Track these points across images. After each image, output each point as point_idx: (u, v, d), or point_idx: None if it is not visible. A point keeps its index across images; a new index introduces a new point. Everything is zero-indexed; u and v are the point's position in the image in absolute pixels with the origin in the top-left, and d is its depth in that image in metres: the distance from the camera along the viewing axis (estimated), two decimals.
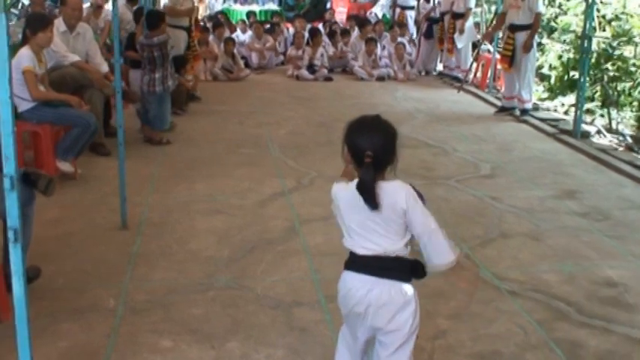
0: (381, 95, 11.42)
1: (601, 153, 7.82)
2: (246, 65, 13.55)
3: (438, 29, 13.61)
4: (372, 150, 2.63)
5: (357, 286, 2.74)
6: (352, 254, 2.78)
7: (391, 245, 2.70)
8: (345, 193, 2.74)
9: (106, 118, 7.65)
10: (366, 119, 2.79)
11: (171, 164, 6.99)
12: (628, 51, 9.47)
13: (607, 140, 8.69)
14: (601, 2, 10.40)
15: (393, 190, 2.66)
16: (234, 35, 14.45)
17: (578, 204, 6.11)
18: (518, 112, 9.88)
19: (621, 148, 8.26)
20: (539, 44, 11.03)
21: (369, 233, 2.70)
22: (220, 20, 14.86)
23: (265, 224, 5.39)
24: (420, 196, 2.73)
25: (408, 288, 2.76)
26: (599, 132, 8.98)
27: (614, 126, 9.34)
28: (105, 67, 7.29)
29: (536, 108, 10.34)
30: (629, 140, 8.58)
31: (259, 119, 9.30)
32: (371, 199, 2.63)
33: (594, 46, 9.13)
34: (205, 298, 4.14)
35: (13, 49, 7.39)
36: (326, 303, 4.09)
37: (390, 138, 2.71)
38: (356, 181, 2.69)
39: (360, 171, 2.67)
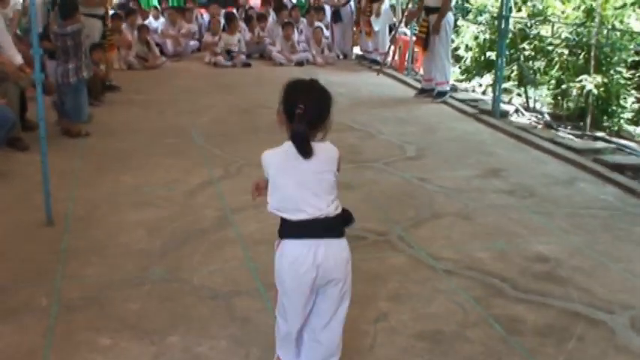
0: None
1: (521, 131, 8.00)
2: (161, 53, 13.31)
3: (355, 11, 13.66)
4: (303, 104, 2.70)
5: (303, 252, 2.79)
6: (288, 222, 2.81)
7: (326, 206, 2.78)
8: (276, 156, 2.83)
9: (22, 112, 7.38)
10: (303, 79, 2.87)
11: (94, 157, 6.80)
12: (544, 30, 9.69)
13: (525, 119, 8.90)
14: None
15: (326, 147, 2.81)
16: (146, 22, 14.15)
17: (504, 182, 6.23)
18: (434, 94, 10.01)
19: (540, 126, 8.46)
20: (455, 26, 11.18)
21: (304, 195, 2.77)
22: (133, 7, 14.52)
23: (196, 214, 5.30)
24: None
25: (344, 241, 2.91)
26: (517, 111, 9.19)
27: (531, 104, 9.57)
28: (19, 59, 7.00)
29: (455, 89, 10.50)
30: (547, 118, 8.81)
31: (180, 108, 9.15)
32: (305, 146, 2.72)
33: (510, 26, 9.30)
34: (141, 292, 4.04)
35: None
36: (265, 291, 4.05)
37: (324, 98, 2.80)
38: (286, 142, 2.78)
39: (294, 125, 2.73)
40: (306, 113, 2.70)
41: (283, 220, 2.84)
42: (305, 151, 2.72)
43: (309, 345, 3.04)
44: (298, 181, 2.77)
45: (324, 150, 2.80)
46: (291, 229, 2.81)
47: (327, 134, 2.82)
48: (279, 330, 3.08)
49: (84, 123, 7.73)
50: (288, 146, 2.77)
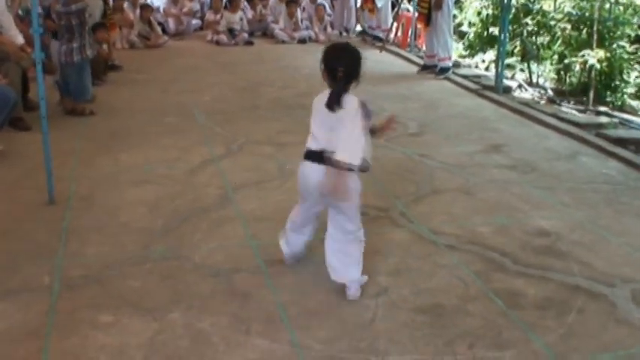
0: (304, 58, 11.34)
1: (524, 107, 7.97)
2: (164, 32, 13.26)
3: None
4: (343, 67, 3.44)
5: (310, 172, 3.59)
6: (309, 150, 3.61)
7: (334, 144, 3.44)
8: (318, 100, 3.54)
9: (24, 92, 7.37)
10: (339, 44, 3.64)
11: (95, 136, 6.80)
12: (547, 5, 9.62)
13: (529, 94, 8.88)
14: None
15: (350, 100, 3.46)
16: (148, 1, 14.09)
17: (506, 157, 6.22)
18: (437, 70, 9.97)
19: (543, 101, 8.44)
20: (457, 1, 11.12)
21: (323, 131, 3.52)
22: None
23: (197, 192, 5.30)
24: (368, 113, 3.47)
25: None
26: (520, 86, 9.16)
27: (534, 80, 9.53)
28: (20, 39, 6.97)
29: (457, 65, 10.47)
30: (550, 93, 8.78)
31: (182, 87, 9.13)
32: (333, 103, 3.44)
33: (513, 1, 9.24)
34: (142, 270, 4.05)
35: None
36: (266, 267, 4.07)
37: (357, 59, 3.52)
38: (329, 90, 3.49)
39: (334, 84, 3.46)
40: (344, 74, 3.44)
41: (307, 149, 3.63)
42: (332, 107, 3.44)
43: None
44: (323, 121, 3.52)
45: (349, 102, 3.44)
46: (307, 155, 3.62)
47: (358, 84, 3.52)
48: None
49: (88, 102, 7.72)
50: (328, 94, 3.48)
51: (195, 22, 14.51)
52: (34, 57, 5.12)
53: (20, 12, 9.95)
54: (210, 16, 13.62)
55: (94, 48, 7.98)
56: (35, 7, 5.03)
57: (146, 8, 12.72)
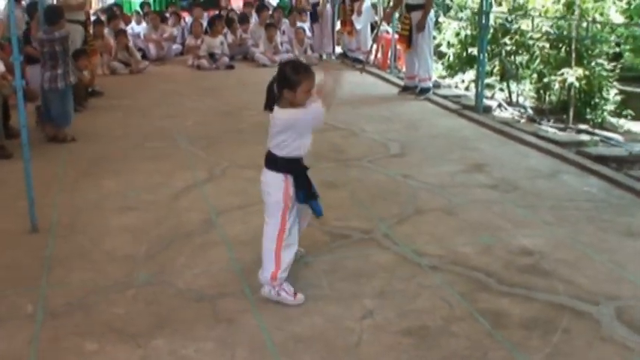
0: None
1: (504, 126, 8.03)
2: (144, 57, 13.28)
3: (339, 11, 13.66)
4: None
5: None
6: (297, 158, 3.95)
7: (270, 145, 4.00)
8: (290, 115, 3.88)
9: (5, 120, 7.35)
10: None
11: (77, 163, 6.78)
12: (525, 25, 9.72)
13: (509, 113, 8.95)
14: None
15: (279, 112, 3.92)
16: (128, 27, 14.13)
17: (488, 177, 6.26)
18: (417, 91, 10.04)
19: (523, 120, 8.51)
20: (436, 23, 11.22)
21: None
22: (115, 12, 14.48)
23: (181, 218, 5.29)
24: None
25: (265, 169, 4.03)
26: (500, 106, 9.23)
27: (514, 99, 9.61)
28: (1, 67, 6.98)
29: (437, 85, 10.53)
30: (530, 112, 8.85)
31: (164, 111, 9.14)
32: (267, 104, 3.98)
33: (491, 22, 9.33)
34: (126, 296, 4.03)
35: None
36: (251, 292, 4.05)
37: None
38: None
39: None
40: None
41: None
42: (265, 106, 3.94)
43: None
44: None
45: (278, 112, 3.88)
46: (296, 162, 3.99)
47: (290, 104, 3.82)
48: None
49: (68, 128, 7.70)
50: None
51: (176, 47, 14.57)
52: (14, 84, 5.12)
53: (1, 40, 9.96)
54: (190, 41, 13.67)
55: (75, 74, 7.98)
56: (14, 35, 5.02)
57: (121, 34, 12.71)
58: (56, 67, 7.32)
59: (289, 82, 3.78)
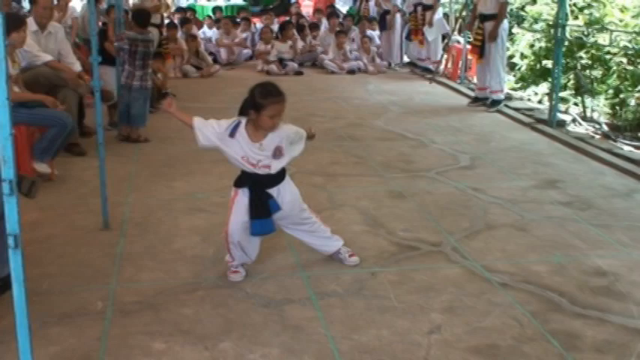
0: (353, 89, 11.39)
1: (578, 141, 7.85)
2: (215, 61, 13.45)
3: (410, 20, 13.58)
4: None
5: None
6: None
7: None
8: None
9: (80, 118, 7.51)
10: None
11: (148, 163, 6.88)
12: (602, 39, 9.51)
13: (583, 128, 8.74)
14: None
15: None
16: (200, 32, 14.34)
17: (561, 193, 6.12)
18: (488, 103, 9.91)
19: (598, 136, 8.30)
20: (510, 33, 11.06)
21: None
22: (188, 17, 14.72)
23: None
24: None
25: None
26: (574, 120, 9.03)
27: (588, 114, 9.40)
28: (78, 66, 7.15)
29: (509, 97, 10.39)
30: (605, 128, 8.63)
31: (232, 115, 9.09)
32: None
33: (566, 34, 9.15)
34: (195, 297, 4.06)
35: None
36: (317, 300, 4.04)
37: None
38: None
39: None
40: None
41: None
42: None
43: None
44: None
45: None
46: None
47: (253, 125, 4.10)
48: None
49: (142, 129, 7.84)
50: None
51: (246, 51, 14.69)
52: (90, 85, 5.21)
53: (77, 40, 10.21)
54: (260, 46, 13.77)
55: (151, 76, 8.17)
56: (94, 36, 5.12)
57: (193, 39, 12.89)
58: (144, 67, 7.59)
59: (255, 104, 3.93)
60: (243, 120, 4.08)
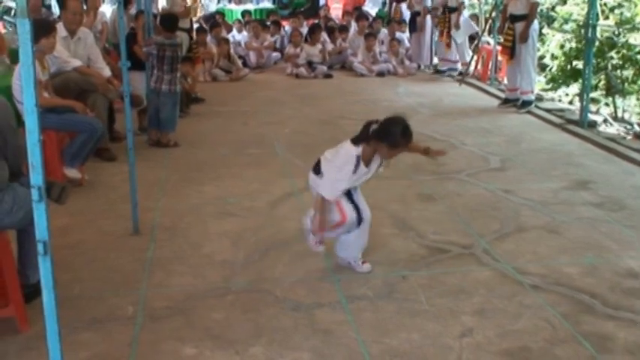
0: (383, 91, 11.36)
1: (610, 142, 7.76)
2: (245, 65, 13.49)
3: (438, 22, 13.51)
4: None
5: None
6: None
7: None
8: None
9: (110, 123, 7.58)
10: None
11: (178, 167, 6.92)
12: (633, 38, 9.39)
13: (614, 129, 8.63)
14: None
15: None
16: (230, 35, 14.39)
17: (593, 194, 6.05)
18: (519, 104, 9.84)
19: (629, 137, 8.19)
20: (540, 34, 10.96)
21: None
22: (218, 20, 14.79)
23: (279, 225, 5.31)
24: None
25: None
26: (605, 121, 8.93)
27: (619, 114, 9.28)
28: (107, 72, 7.20)
29: (540, 98, 10.30)
30: (637, 128, 8.52)
31: (262, 119, 9.23)
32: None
33: (597, 35, 9.05)
34: (224, 302, 4.07)
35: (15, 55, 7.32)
36: (347, 304, 4.03)
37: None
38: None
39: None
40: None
41: None
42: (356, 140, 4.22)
43: None
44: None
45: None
46: None
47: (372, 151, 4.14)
48: None
49: (172, 133, 7.89)
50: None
51: (275, 55, 14.72)
52: (120, 90, 5.24)
53: (107, 45, 10.30)
54: (290, 49, 13.78)
55: (180, 81, 8.20)
56: (123, 41, 5.15)
57: (224, 42, 12.95)
58: (173, 71, 7.63)
59: (393, 140, 3.96)
60: (359, 152, 4.12)
